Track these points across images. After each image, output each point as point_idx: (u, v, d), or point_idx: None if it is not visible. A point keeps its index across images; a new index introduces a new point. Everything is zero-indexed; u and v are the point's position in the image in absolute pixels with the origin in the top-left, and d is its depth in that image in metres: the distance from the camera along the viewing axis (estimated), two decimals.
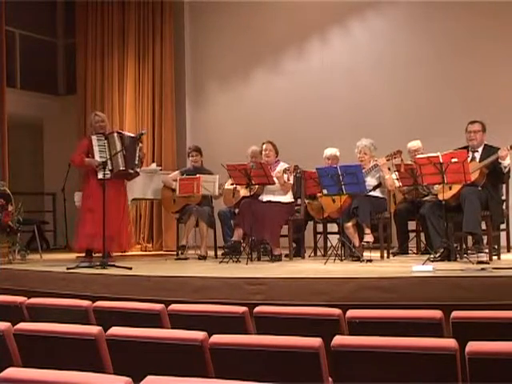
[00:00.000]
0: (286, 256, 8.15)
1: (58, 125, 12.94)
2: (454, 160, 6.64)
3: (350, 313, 3.79)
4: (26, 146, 13.21)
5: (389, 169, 7.90)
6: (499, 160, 7.12)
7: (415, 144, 8.54)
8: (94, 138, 8.19)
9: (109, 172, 7.80)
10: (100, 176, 7.90)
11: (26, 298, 4.87)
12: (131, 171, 8.17)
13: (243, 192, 8.51)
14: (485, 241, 7.33)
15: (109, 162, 7.86)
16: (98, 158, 8.04)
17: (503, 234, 7.84)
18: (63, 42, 13.61)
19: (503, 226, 7.78)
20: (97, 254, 8.11)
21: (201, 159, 9.29)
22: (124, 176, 8.25)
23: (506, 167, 7.17)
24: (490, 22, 9.66)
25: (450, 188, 7.05)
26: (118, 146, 8.04)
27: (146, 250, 11.39)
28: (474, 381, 2.72)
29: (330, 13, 10.95)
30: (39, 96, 12.95)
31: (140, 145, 8.22)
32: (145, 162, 11.23)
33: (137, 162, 8.16)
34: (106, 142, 8.13)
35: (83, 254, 8.36)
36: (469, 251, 7.37)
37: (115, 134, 8.18)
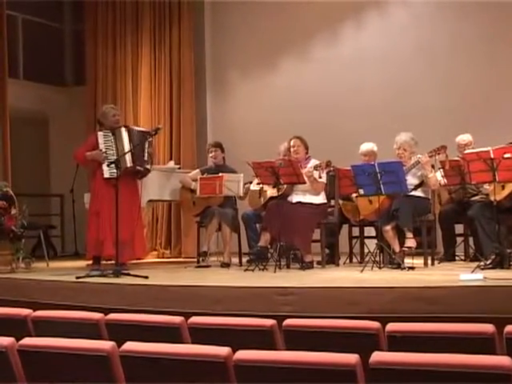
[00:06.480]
0: (319, 263, 8.15)
1: (65, 119, 13.02)
2: (506, 155, 6.56)
3: (390, 326, 3.79)
4: (30, 142, 13.29)
5: (432, 166, 7.84)
6: None
7: (465, 138, 8.47)
8: (100, 134, 8.19)
9: (115, 170, 7.84)
10: (106, 175, 7.98)
11: (31, 311, 4.89)
12: (140, 168, 8.16)
13: (270, 192, 8.49)
14: None
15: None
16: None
17: None
18: (71, 27, 13.71)
19: None
20: (109, 261, 8.13)
21: (222, 155, 9.29)
22: (133, 174, 8.23)
23: None
24: None
25: (503, 187, 6.97)
26: (126, 142, 8.05)
27: (163, 257, 11.43)
28: None
29: None
30: (44, 87, 13.04)
31: (150, 139, 8.21)
32: (162, 160, 11.31)
33: (146, 159, 8.17)
34: (113, 138, 8.14)
35: (91, 262, 8.40)
36: None
37: (123, 129, 8.18)
